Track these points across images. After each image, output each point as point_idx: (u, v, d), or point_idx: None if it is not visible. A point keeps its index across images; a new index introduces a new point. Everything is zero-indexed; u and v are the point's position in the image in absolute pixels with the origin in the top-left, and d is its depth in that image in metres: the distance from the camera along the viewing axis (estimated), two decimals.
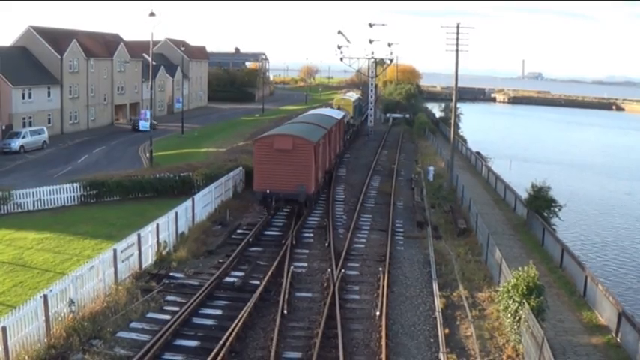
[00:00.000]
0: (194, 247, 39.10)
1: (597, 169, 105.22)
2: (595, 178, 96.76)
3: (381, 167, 74.85)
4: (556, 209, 48.77)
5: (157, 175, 56.49)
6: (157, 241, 37.32)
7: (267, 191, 46.10)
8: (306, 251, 40.42)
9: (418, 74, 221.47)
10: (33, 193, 51.22)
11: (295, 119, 66.35)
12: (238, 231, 44.44)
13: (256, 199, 47.47)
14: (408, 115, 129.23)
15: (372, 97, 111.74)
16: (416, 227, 47.34)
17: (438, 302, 31.93)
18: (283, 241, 41.28)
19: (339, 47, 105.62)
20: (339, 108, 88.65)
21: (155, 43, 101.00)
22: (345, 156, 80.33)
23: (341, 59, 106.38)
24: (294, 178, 45.80)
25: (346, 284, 34.54)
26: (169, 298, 31.86)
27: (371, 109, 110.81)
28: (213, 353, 24.74)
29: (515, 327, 27.25)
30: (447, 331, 28.81)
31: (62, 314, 27.51)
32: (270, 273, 34.55)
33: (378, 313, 30.33)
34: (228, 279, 34.57)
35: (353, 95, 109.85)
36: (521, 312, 26.60)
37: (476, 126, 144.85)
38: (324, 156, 53.45)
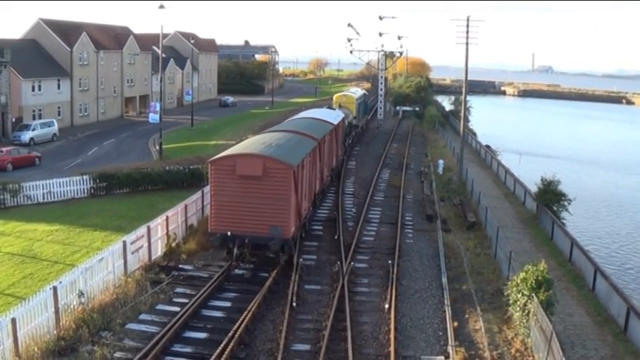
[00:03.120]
0: (203, 240, 39.11)
1: (607, 164, 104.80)
2: (604, 173, 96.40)
3: (391, 160, 74.72)
4: (565, 203, 48.65)
5: (167, 168, 56.60)
6: (167, 233, 37.38)
7: (228, 233, 33.40)
8: (316, 244, 40.37)
9: (428, 67, 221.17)
10: (43, 185, 51.44)
11: (275, 127, 48.68)
12: None
13: (213, 244, 34.71)
14: (417, 108, 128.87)
15: (381, 89, 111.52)
16: (425, 220, 47.27)
17: (447, 295, 31.89)
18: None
19: (349, 40, 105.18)
20: (339, 107, 76.77)
21: (165, 35, 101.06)
22: (354, 148, 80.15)
23: (351, 52, 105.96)
24: (266, 217, 33.11)
25: (355, 277, 34.54)
26: (178, 290, 31.91)
27: (380, 101, 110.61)
28: (222, 345, 24.78)
29: (524, 321, 27.19)
30: (455, 324, 28.77)
31: (72, 306, 27.59)
32: (279, 265, 34.60)
33: (387, 306, 30.32)
34: (237, 271, 34.61)
35: (357, 91, 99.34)
36: (530, 306, 26.54)
37: (486, 119, 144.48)
38: (311, 179, 41.19)
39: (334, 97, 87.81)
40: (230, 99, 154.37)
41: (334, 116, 57.94)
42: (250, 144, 37.86)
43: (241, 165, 33.17)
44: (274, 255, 34.38)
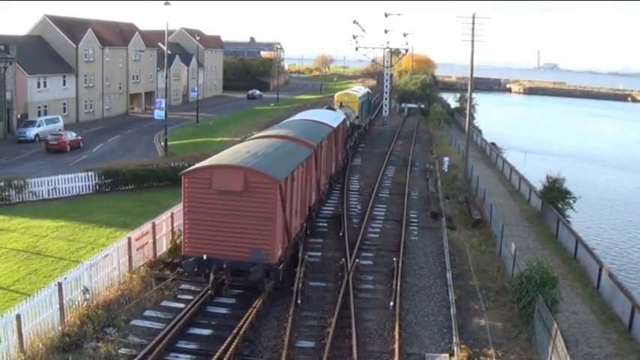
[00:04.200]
0: None
1: (612, 162, 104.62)
2: (610, 171, 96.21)
3: (396, 157, 74.70)
4: (570, 201, 48.62)
5: (172, 164, 56.61)
6: (172, 229, 37.35)
7: (204, 257, 28.94)
8: (320, 241, 40.36)
9: (433, 64, 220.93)
10: (48, 181, 51.49)
11: (266, 132, 43.58)
12: None
13: (186, 269, 29.66)
14: (423, 105, 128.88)
15: (387, 87, 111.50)
16: (430, 217, 47.26)
17: (452, 293, 31.88)
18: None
19: (355, 37, 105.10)
20: (341, 106, 72.54)
21: (170, 32, 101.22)
22: (360, 145, 79.97)
23: (356, 49, 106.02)
24: (247, 238, 28.68)
25: (360, 274, 34.53)
26: (183, 286, 31.89)
27: (386, 99, 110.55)
28: (226, 342, 24.79)
29: (529, 318, 27.20)
30: (460, 321, 28.78)
31: (76, 302, 27.63)
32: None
33: (391, 303, 30.32)
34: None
35: (359, 90, 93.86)
36: (534, 303, 26.54)
37: (491, 117, 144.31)
38: (305, 192, 36.75)
39: (335, 96, 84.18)
40: (257, 92, 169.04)
41: (334, 118, 53.32)
42: (232, 153, 32.60)
43: (219, 178, 28.52)
44: (257, 282, 29.55)
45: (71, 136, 78.42)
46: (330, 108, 64.84)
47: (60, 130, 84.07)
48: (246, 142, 39.29)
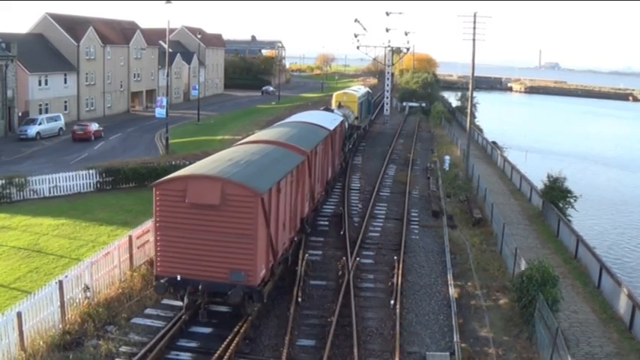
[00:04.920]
0: None
1: (613, 161, 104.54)
2: (610, 171, 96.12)
3: (397, 156, 74.64)
4: (571, 200, 48.64)
5: (173, 162, 56.50)
6: None
7: (178, 277, 26.17)
8: (321, 239, 40.35)
9: (435, 63, 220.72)
10: (49, 179, 51.46)
11: (253, 137, 39.68)
12: None
13: (158, 291, 27.05)
14: (424, 104, 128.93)
15: (388, 85, 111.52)
16: (431, 216, 47.25)
17: (453, 292, 31.89)
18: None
19: (356, 35, 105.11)
20: (339, 106, 69.12)
21: (171, 30, 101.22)
22: (361, 144, 79.86)
23: (357, 47, 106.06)
24: (225, 258, 25.70)
25: (361, 273, 34.54)
26: None
27: (387, 97, 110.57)
28: (227, 340, 24.81)
29: (530, 317, 27.22)
30: (461, 320, 28.79)
31: (77, 300, 27.65)
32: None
33: (392, 301, 30.33)
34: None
35: (359, 89, 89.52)
36: (535, 302, 26.56)
37: (492, 116, 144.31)
38: (295, 203, 33.53)
39: (334, 96, 79.76)
40: (270, 88, 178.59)
41: (330, 120, 50.40)
42: (213, 161, 29.45)
43: (193, 190, 25.49)
44: (237, 307, 26.76)
45: (95, 127, 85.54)
46: (327, 109, 62.14)
47: (61, 128, 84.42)
48: (232, 147, 35.09)
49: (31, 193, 50.43)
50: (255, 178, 26.75)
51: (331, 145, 47.22)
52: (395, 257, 35.90)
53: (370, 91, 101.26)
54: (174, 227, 25.95)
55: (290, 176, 31.32)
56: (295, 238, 34.48)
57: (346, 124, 60.33)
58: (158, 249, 26.44)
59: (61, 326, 25.87)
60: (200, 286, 25.98)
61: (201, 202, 25.43)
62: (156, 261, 26.62)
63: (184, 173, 26.87)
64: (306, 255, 35.42)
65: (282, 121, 50.94)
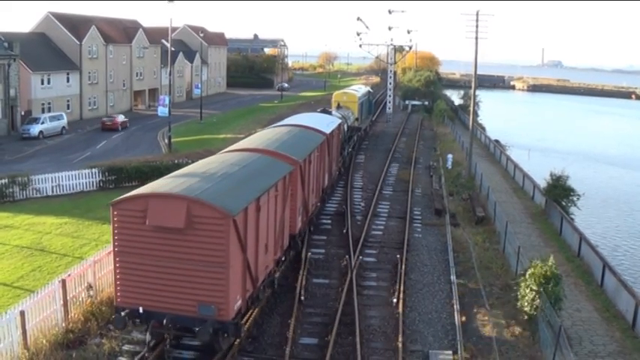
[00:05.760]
0: None
1: (616, 160, 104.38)
2: (613, 169, 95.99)
3: (400, 154, 74.58)
4: (574, 198, 48.59)
5: (176, 161, 56.53)
6: None
7: (140, 310, 22.93)
8: (324, 238, 40.33)
9: (437, 61, 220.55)
10: (52, 178, 51.58)
11: (240, 143, 35.76)
12: None
13: (116, 325, 23.57)
14: (426, 102, 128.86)
15: (390, 84, 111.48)
16: (434, 215, 47.22)
17: (455, 290, 31.87)
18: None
19: (358, 34, 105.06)
20: (338, 107, 66.97)
21: (174, 29, 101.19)
22: (363, 142, 79.80)
23: (360, 46, 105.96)
24: (192, 289, 22.41)
25: (364, 271, 34.54)
26: None
27: (390, 95, 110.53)
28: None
29: (533, 316, 27.20)
30: (463, 319, 28.78)
31: (80, 299, 27.66)
32: (287, 259, 34.50)
33: (395, 300, 30.33)
34: None
35: (359, 89, 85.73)
36: (538, 301, 26.54)
37: (495, 114, 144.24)
38: (282, 219, 29.73)
39: (333, 96, 76.12)
40: (285, 84, 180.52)
41: (327, 123, 47.21)
42: (182, 175, 25.70)
43: (155, 210, 22.11)
44: (208, 344, 23.30)
45: (121, 118, 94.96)
46: (325, 110, 58.70)
47: (64, 127, 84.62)
48: (211, 157, 31.35)
49: (34, 191, 50.52)
50: (229, 196, 23.25)
51: (328, 150, 44.13)
52: (398, 256, 35.91)
53: (371, 90, 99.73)
54: (134, 253, 22.68)
55: (274, 190, 27.59)
56: (283, 258, 31.26)
57: (345, 127, 58.52)
58: (117, 277, 23.17)
59: (64, 325, 25.87)
60: (165, 321, 22.72)
61: (164, 225, 22.03)
62: (116, 290, 23.40)
63: (146, 191, 23.30)
64: (309, 253, 35.44)
65: (273, 125, 46.65)
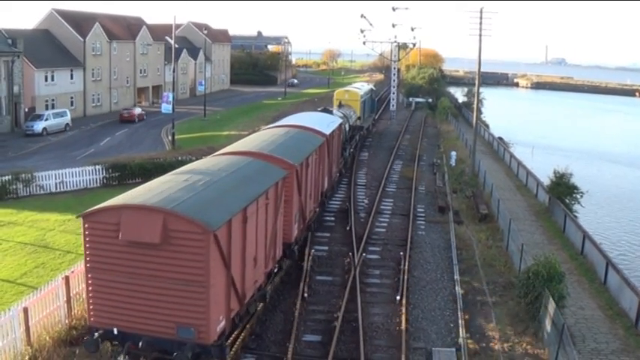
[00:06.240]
0: None
1: (620, 158, 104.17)
2: (616, 167, 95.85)
3: (403, 151, 74.57)
4: (578, 196, 48.59)
5: (179, 158, 56.63)
6: None
7: (115, 331, 21.00)
8: (328, 235, 40.36)
9: (441, 59, 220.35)
10: (55, 175, 51.61)
11: (231, 147, 33.15)
12: None
13: (88, 348, 21.22)
14: (430, 100, 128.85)
15: (394, 81, 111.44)
16: (437, 212, 47.22)
17: (459, 288, 31.87)
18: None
19: (362, 31, 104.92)
20: (340, 105, 65.24)
21: (178, 26, 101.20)
22: (367, 140, 79.72)
23: (364, 43, 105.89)
24: (170, 309, 20.38)
25: (367, 268, 34.54)
26: None
27: (393, 93, 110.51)
28: (233, 336, 24.80)
29: (536, 313, 27.19)
30: (467, 316, 28.78)
31: (84, 295, 27.64)
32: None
33: (398, 297, 30.33)
34: None
35: (362, 87, 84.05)
36: (541, 298, 26.53)
37: (499, 111, 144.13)
38: (272, 230, 27.11)
39: (335, 94, 74.40)
40: (295, 81, 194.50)
41: (327, 123, 44.93)
42: (162, 183, 23.19)
43: (129, 224, 20.11)
44: None
45: (138, 111, 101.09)
46: (326, 110, 56.67)
47: (67, 124, 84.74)
48: (196, 162, 29.85)
49: (38, 188, 50.55)
50: (210, 208, 21.13)
51: (327, 152, 42.03)
52: (401, 253, 35.91)
53: (374, 88, 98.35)
54: (107, 269, 20.73)
55: (264, 198, 25.27)
56: (276, 269, 29.11)
57: (346, 127, 57.28)
58: (90, 295, 21.22)
59: (67, 322, 25.87)
60: (141, 343, 20.74)
61: (138, 240, 20.01)
62: (88, 310, 21.45)
63: (119, 202, 21.04)
64: (313, 251, 35.43)
65: (270, 126, 44.32)
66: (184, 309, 20.15)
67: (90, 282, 21.10)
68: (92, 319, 21.29)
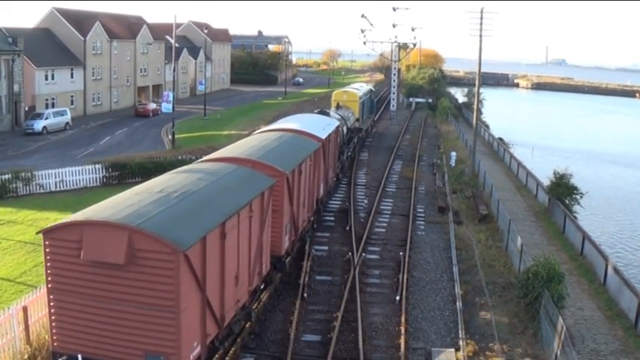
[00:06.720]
0: None
1: (619, 159, 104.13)
2: (615, 168, 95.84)
3: (403, 152, 74.62)
4: (578, 197, 48.59)
5: (179, 157, 56.62)
6: None
7: (79, 357, 18.96)
8: (327, 235, 40.37)
9: (441, 59, 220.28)
10: (55, 173, 51.61)
11: (217, 152, 31.28)
12: None
13: None
14: (430, 100, 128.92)
15: (394, 81, 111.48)
16: (437, 212, 47.23)
17: (458, 288, 31.88)
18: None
19: (363, 31, 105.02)
20: (338, 107, 63.41)
21: (178, 25, 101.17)
22: (367, 140, 79.69)
23: (364, 43, 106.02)
24: (138, 336, 18.44)
25: (367, 268, 34.55)
26: None
27: (394, 93, 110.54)
28: (233, 335, 24.82)
29: (535, 314, 27.19)
30: (466, 317, 28.78)
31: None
32: (290, 256, 34.51)
33: (397, 297, 30.34)
34: None
35: (360, 87, 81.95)
36: (541, 299, 26.53)
37: (499, 112, 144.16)
38: (258, 244, 25.07)
39: (333, 95, 72.40)
40: (300, 80, 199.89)
41: (323, 126, 43.01)
42: (134, 194, 21.09)
43: (91, 242, 18.08)
44: None
45: (152, 106, 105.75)
46: (323, 112, 54.34)
47: (67, 123, 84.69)
48: (180, 169, 26.23)
49: (38, 187, 50.55)
50: (183, 224, 19.08)
51: (323, 157, 40.35)
52: (401, 253, 35.94)
53: (373, 89, 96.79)
54: (70, 291, 18.78)
55: (247, 211, 23.24)
56: (262, 285, 27.20)
57: (344, 129, 55.30)
58: (52, 318, 19.36)
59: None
60: None
61: (101, 260, 18.06)
62: (51, 333, 19.55)
63: (81, 217, 18.90)
64: (312, 250, 35.43)
65: (262, 130, 41.75)
66: (153, 336, 18.25)
67: (52, 304, 19.19)
68: (55, 344, 19.45)
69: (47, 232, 18.76)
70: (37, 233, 19.58)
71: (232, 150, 31.12)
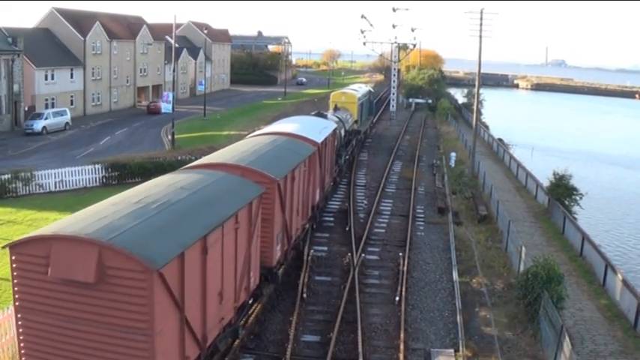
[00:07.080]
0: None
1: (619, 160, 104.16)
2: (615, 169, 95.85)
3: (403, 152, 74.58)
4: (577, 197, 48.60)
5: (179, 157, 56.63)
6: None
7: None
8: (327, 235, 40.34)
9: (441, 60, 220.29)
10: (55, 174, 51.61)
11: (206, 158, 29.69)
12: None
13: None
14: (430, 101, 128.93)
15: (394, 82, 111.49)
16: (437, 213, 47.22)
17: (458, 288, 31.87)
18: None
19: (362, 31, 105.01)
20: (336, 109, 62.32)
21: (178, 25, 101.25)
22: (366, 140, 79.66)
23: (364, 43, 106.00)
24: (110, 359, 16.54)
25: (366, 269, 34.53)
26: None
27: (393, 93, 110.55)
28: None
29: (535, 315, 27.21)
30: (465, 317, 28.77)
31: None
32: (290, 257, 34.49)
33: (397, 298, 30.33)
34: None
35: (359, 89, 79.48)
36: (540, 300, 26.55)
37: (498, 112, 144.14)
38: (245, 257, 23.18)
39: (330, 97, 71.12)
40: (303, 79, 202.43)
41: (320, 129, 41.34)
42: (110, 204, 19.33)
43: (59, 258, 16.41)
44: None
45: (161, 102, 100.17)
46: (320, 114, 51.69)
47: (67, 123, 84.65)
48: (163, 176, 23.80)
49: (37, 187, 50.54)
50: (158, 239, 17.40)
51: (319, 162, 38.51)
52: (400, 254, 35.92)
53: (372, 90, 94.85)
54: (38, 310, 17.18)
55: (233, 222, 21.52)
56: (250, 301, 25.56)
57: (342, 132, 53.93)
58: (20, 338, 17.80)
59: None
60: None
61: (70, 278, 16.40)
62: (20, 355, 18.01)
63: (49, 231, 17.26)
64: (312, 251, 35.42)
65: (255, 133, 39.54)
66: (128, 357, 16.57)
67: (19, 324, 17.63)
68: None
69: (13, 247, 17.12)
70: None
71: (222, 155, 29.36)
